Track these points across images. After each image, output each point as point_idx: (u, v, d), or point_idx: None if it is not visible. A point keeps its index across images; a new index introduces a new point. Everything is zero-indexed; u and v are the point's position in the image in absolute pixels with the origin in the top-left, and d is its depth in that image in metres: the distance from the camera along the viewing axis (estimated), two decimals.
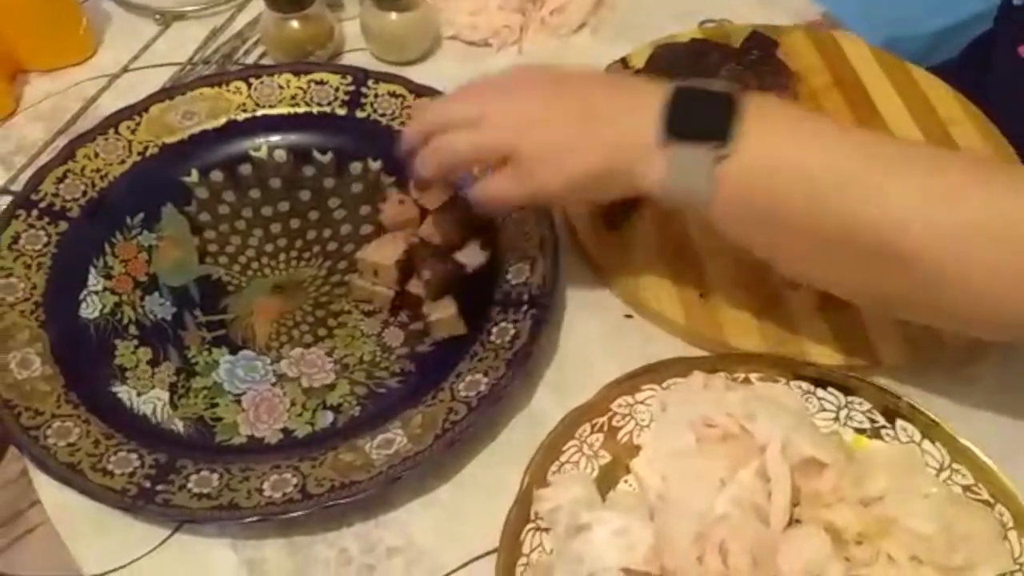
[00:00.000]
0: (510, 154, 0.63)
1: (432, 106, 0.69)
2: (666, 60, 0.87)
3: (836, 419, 0.65)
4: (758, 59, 0.86)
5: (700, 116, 0.59)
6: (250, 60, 0.95)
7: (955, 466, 0.62)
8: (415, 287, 0.72)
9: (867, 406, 0.65)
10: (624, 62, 0.88)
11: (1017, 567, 0.57)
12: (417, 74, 0.87)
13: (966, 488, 0.61)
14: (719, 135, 0.58)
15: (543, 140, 0.63)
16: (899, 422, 0.64)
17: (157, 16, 0.98)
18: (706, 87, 0.61)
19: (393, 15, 0.90)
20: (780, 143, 0.59)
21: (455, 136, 0.65)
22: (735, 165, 0.58)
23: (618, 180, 0.62)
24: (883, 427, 0.64)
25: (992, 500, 0.60)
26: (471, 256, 0.73)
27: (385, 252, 0.72)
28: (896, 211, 0.56)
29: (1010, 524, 0.59)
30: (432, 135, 0.66)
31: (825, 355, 0.69)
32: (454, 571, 0.62)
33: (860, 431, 0.64)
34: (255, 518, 0.60)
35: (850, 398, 0.65)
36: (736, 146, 0.58)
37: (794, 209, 0.58)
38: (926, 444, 0.63)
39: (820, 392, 0.65)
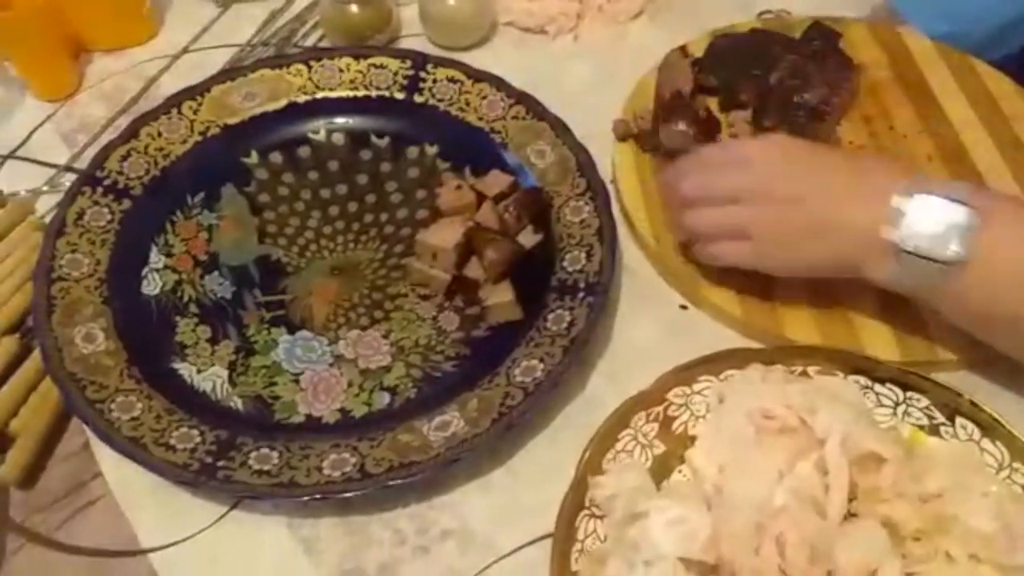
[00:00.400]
0: (750, 234, 0.67)
1: (691, 175, 0.71)
2: (726, 50, 0.87)
3: (894, 415, 0.64)
4: (820, 50, 0.85)
5: (936, 230, 0.60)
6: (308, 43, 0.96)
7: (1015, 465, 0.61)
8: (471, 271, 0.73)
9: (925, 402, 0.64)
10: (683, 50, 0.87)
11: None
12: (473, 59, 0.88)
13: None
14: (953, 255, 0.60)
15: (782, 229, 0.66)
16: (959, 419, 0.63)
17: None
18: (947, 191, 0.61)
19: (451, 0, 0.90)
20: (1015, 257, 0.60)
21: (706, 213, 0.69)
22: (966, 276, 0.60)
23: (847, 269, 0.65)
24: (942, 424, 0.63)
25: None
26: (526, 239, 0.74)
27: (444, 236, 0.72)
28: None
29: None
30: (690, 199, 0.70)
31: (884, 351, 0.69)
32: (507, 555, 0.62)
33: (919, 427, 0.64)
34: (315, 496, 0.61)
35: (909, 394, 0.64)
36: (968, 261, 0.59)
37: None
38: (985, 442, 0.62)
39: (878, 387, 0.65)
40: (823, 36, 0.87)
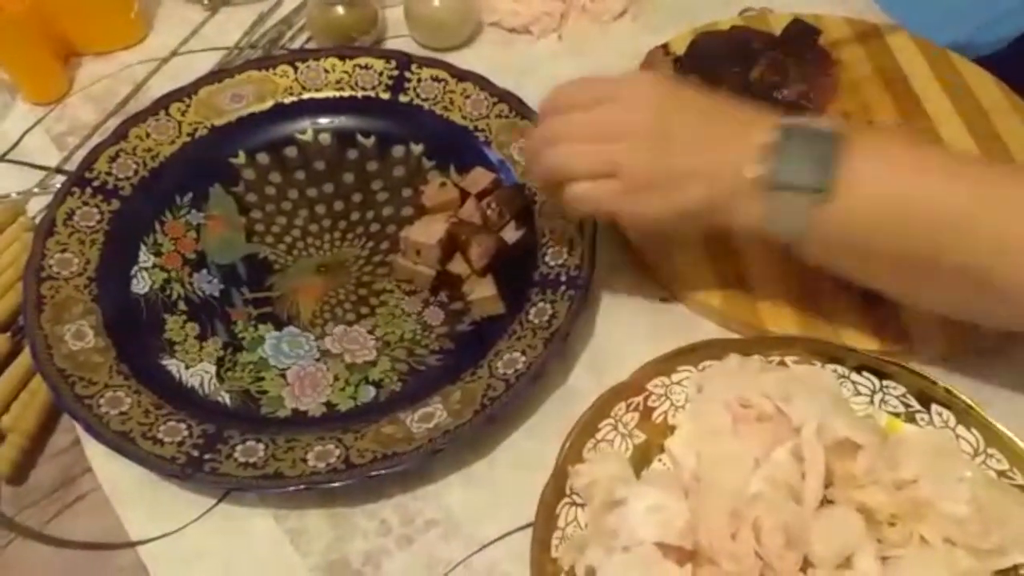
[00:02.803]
0: (618, 173, 0.63)
1: (551, 113, 0.67)
2: (707, 47, 0.88)
3: (871, 403, 0.65)
4: (799, 47, 0.86)
5: (802, 162, 0.59)
6: (295, 45, 0.97)
7: (990, 451, 0.62)
8: (455, 267, 0.74)
9: (901, 390, 0.65)
10: (665, 48, 0.88)
11: None
12: (459, 60, 0.89)
13: (1001, 473, 0.61)
14: (819, 183, 0.59)
15: (652, 167, 0.62)
16: (934, 407, 0.64)
17: (205, 1, 1.01)
18: (811, 126, 0.61)
19: (436, 1, 0.92)
20: (882, 185, 0.59)
21: (570, 150, 0.64)
22: (834, 207, 0.59)
23: (716, 215, 0.63)
24: (918, 411, 0.64)
25: None
26: (509, 234, 0.75)
27: (428, 232, 0.73)
28: (991, 254, 0.57)
29: None
30: (547, 140, 0.66)
31: (860, 340, 0.70)
32: (490, 544, 0.63)
33: (895, 415, 0.64)
34: (300, 487, 0.62)
35: (885, 382, 0.65)
36: (836, 191, 0.59)
37: (890, 246, 0.59)
38: (960, 429, 0.63)
39: (855, 376, 0.66)
40: (803, 32, 0.88)
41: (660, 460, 0.64)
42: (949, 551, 0.57)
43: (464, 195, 0.77)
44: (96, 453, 0.67)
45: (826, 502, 0.59)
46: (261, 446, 0.65)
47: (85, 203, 0.77)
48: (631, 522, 0.57)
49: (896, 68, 0.89)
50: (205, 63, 0.95)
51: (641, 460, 0.64)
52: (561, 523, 0.60)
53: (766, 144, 0.60)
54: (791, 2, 0.95)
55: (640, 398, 0.65)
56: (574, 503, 0.61)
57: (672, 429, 0.65)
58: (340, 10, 0.92)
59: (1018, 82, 0.88)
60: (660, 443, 0.64)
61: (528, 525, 0.61)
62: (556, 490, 0.61)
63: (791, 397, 0.61)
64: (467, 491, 0.66)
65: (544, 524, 0.60)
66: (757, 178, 0.60)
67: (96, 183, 0.78)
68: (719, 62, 0.87)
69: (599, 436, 0.64)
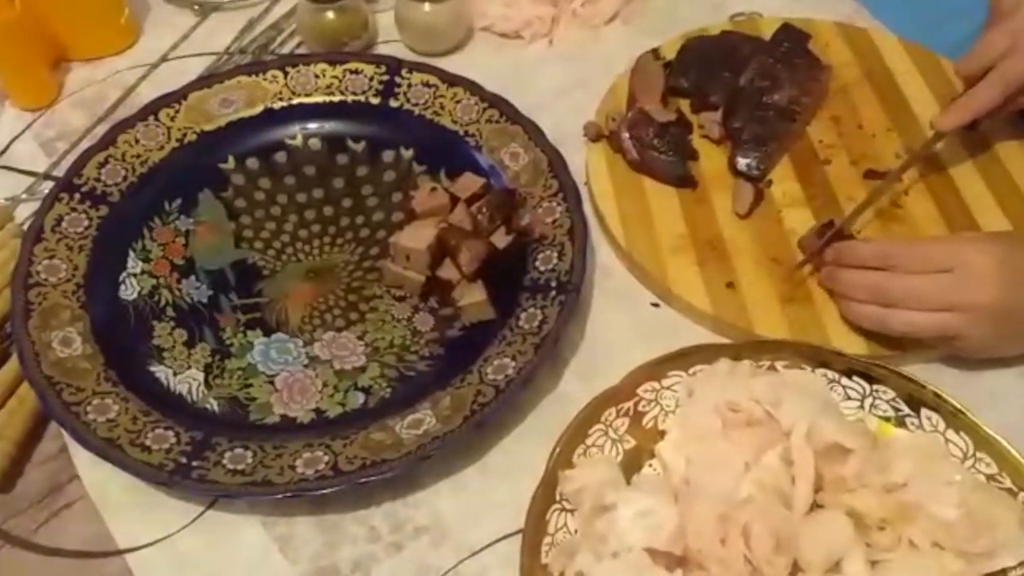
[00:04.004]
0: (957, 339, 0.67)
1: (881, 262, 0.68)
2: (697, 52, 0.89)
3: (861, 407, 0.65)
4: (789, 52, 0.86)
5: None
6: (285, 50, 0.97)
7: (979, 455, 0.62)
8: (445, 272, 0.73)
9: (891, 395, 0.65)
10: (656, 53, 0.88)
11: None
12: (450, 64, 0.88)
13: (990, 477, 0.61)
14: None
15: (993, 342, 0.68)
16: (924, 411, 0.64)
17: (195, 7, 1.01)
18: None
19: (427, 6, 0.92)
20: None
21: (910, 318, 0.67)
22: None
23: None
24: (908, 416, 0.64)
25: (1015, 489, 0.60)
26: (499, 239, 0.75)
27: (418, 237, 0.73)
28: None
29: None
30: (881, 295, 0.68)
31: (850, 344, 0.70)
32: (480, 550, 0.63)
33: (884, 419, 0.64)
34: (288, 494, 0.61)
35: (875, 386, 0.65)
36: None
37: None
38: (950, 433, 0.63)
39: (845, 380, 0.66)
40: (792, 37, 0.88)
41: (650, 465, 0.64)
42: (938, 555, 0.57)
43: (454, 200, 0.77)
44: (83, 460, 0.67)
45: (815, 506, 0.59)
46: (249, 453, 0.64)
47: (73, 209, 0.76)
48: (621, 528, 0.57)
49: (885, 72, 0.90)
50: (195, 68, 0.95)
51: (631, 465, 0.64)
52: (551, 529, 0.60)
53: None
54: (781, 7, 0.95)
55: (630, 403, 0.65)
56: (564, 509, 0.61)
57: (662, 434, 0.64)
58: (330, 15, 0.92)
59: None
60: (650, 448, 0.64)
61: (518, 531, 0.61)
62: (546, 496, 0.61)
63: (781, 401, 0.61)
64: (457, 497, 0.66)
65: (534, 530, 0.60)
66: None
67: (84, 189, 0.78)
68: (709, 67, 0.87)
69: (589, 441, 0.64)
